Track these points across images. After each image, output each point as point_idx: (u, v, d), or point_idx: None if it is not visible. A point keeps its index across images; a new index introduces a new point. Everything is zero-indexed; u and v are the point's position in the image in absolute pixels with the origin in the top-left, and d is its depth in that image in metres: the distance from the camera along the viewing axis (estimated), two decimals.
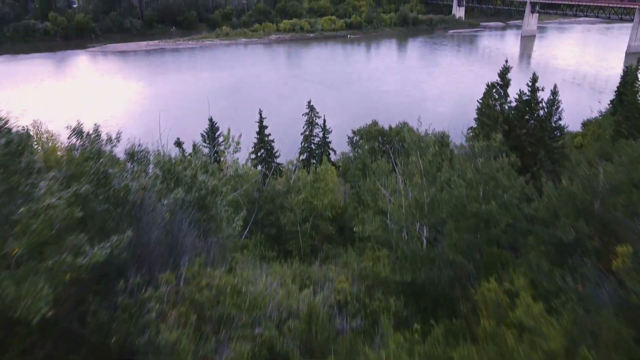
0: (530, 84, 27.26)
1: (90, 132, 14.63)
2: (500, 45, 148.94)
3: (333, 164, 42.85)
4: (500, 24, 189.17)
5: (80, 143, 14.23)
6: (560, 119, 34.10)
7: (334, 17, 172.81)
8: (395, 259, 10.65)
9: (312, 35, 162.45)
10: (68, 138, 13.37)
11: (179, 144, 37.25)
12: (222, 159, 24.57)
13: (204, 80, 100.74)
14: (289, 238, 19.78)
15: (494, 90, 42.70)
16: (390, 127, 38.85)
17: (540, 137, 27.13)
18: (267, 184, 22.25)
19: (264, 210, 20.76)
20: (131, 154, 12.84)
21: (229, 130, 26.23)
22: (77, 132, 15.96)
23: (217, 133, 39.03)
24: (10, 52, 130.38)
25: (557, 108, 31.21)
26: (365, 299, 10.03)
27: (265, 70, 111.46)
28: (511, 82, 31.91)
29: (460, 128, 56.40)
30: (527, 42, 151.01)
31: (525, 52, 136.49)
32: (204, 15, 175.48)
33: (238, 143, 25.99)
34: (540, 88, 27.79)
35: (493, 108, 26.95)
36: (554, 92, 31.64)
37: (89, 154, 11.57)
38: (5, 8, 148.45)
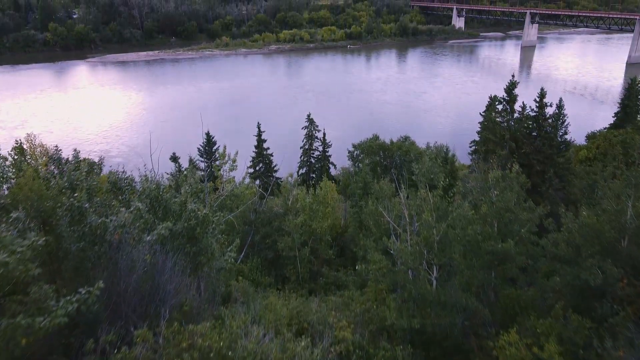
0: (537, 98, 26.34)
1: (70, 158, 13.54)
2: (500, 56, 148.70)
3: (333, 178, 41.85)
4: (499, 34, 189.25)
5: (59, 171, 13.13)
6: (566, 133, 33.20)
7: (333, 28, 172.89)
8: (402, 301, 9.61)
9: (312, 45, 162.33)
10: (45, 166, 12.30)
11: (174, 158, 36.28)
12: (218, 175, 23.51)
13: (203, 91, 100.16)
14: (287, 263, 18.76)
15: (497, 104, 41.94)
16: (391, 142, 37.93)
17: (548, 155, 26.16)
18: (264, 204, 21.26)
19: (261, 233, 19.76)
20: (114, 183, 11.88)
21: (224, 148, 25.29)
22: (56, 159, 14.98)
23: (214, 147, 38.10)
24: (10, 63, 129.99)
25: (563, 122, 30.31)
26: (370, 348, 8.97)
27: (265, 80, 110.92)
28: (516, 95, 31.11)
29: (464, 140, 55.69)
30: (527, 52, 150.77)
31: (526, 63, 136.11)
32: (204, 26, 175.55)
33: (234, 161, 25.05)
34: (548, 104, 26.88)
35: (498, 124, 26.01)
36: (560, 106, 30.76)
37: (65, 186, 10.57)
38: (5, 18, 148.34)
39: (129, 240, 8.84)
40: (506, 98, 26.39)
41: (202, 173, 37.43)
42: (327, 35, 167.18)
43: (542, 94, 26.60)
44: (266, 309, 11.60)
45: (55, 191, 9.77)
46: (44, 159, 42.59)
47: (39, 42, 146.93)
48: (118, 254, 8.34)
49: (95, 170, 51.50)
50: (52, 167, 11.11)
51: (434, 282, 9.48)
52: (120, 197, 11.45)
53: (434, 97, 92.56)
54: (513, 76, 26.70)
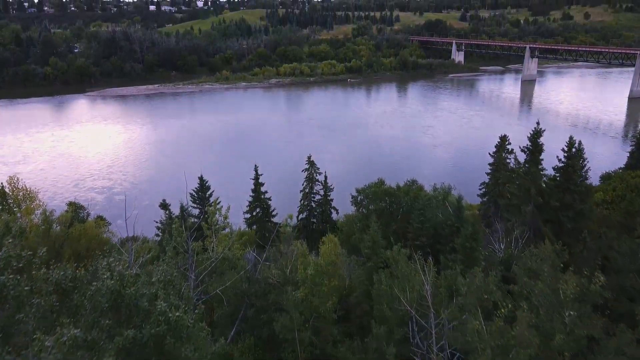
0: (566, 147, 23.98)
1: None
2: (502, 89, 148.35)
3: (335, 225, 39.17)
4: (499, 68, 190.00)
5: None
6: (586, 178, 30.70)
7: (334, 62, 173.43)
8: None
9: (312, 79, 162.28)
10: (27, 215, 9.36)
11: (164, 205, 33.71)
12: (207, 233, 20.81)
13: (203, 125, 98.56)
14: (285, 345, 15.97)
15: (506, 143, 39.70)
16: (398, 186, 35.42)
17: (579, 211, 23.60)
18: (259, 271, 18.60)
19: (255, 307, 17.01)
20: (57, 283, 9.19)
21: (215, 202, 22.88)
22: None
23: (208, 192, 35.56)
24: (8, 97, 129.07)
25: (583, 167, 27.84)
26: None
27: (265, 114, 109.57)
28: (520, 130, 28.90)
29: (473, 177, 53.33)
30: (527, 86, 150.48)
31: (527, 97, 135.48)
32: (205, 60, 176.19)
33: (226, 217, 22.52)
34: (579, 151, 24.42)
35: (521, 175, 23.64)
36: (579, 150, 28.25)
37: None
38: (6, 53, 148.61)
39: None
40: (530, 147, 24.08)
41: (195, 220, 34.81)
42: (327, 69, 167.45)
43: (571, 143, 24.21)
44: None
45: None
46: (27, 203, 39.90)
47: (38, 77, 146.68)
48: None
49: (82, 216, 48.27)
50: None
51: None
52: (66, 303, 8.72)
53: (439, 131, 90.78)
54: (538, 123, 24.36)
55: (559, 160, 24.26)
